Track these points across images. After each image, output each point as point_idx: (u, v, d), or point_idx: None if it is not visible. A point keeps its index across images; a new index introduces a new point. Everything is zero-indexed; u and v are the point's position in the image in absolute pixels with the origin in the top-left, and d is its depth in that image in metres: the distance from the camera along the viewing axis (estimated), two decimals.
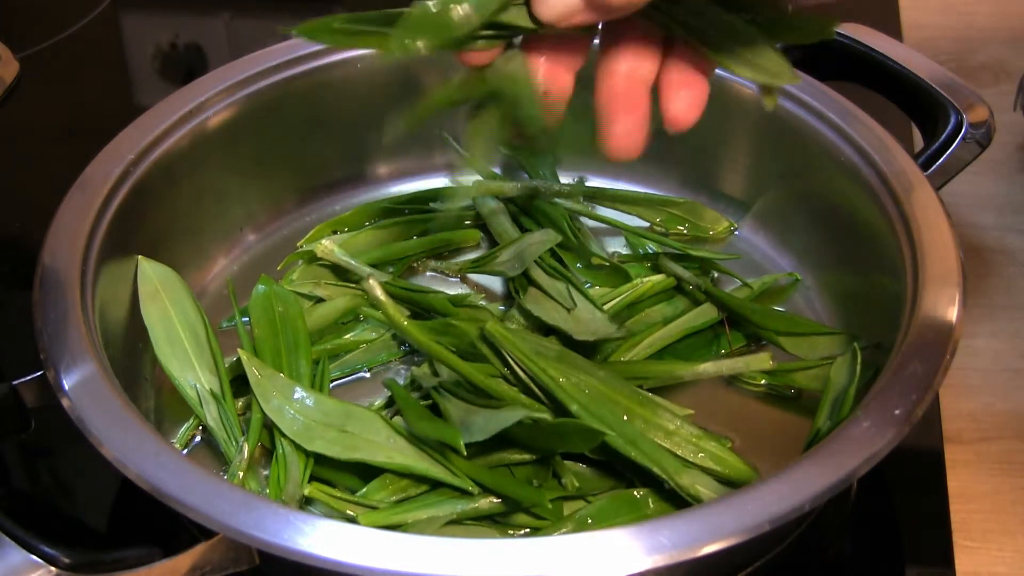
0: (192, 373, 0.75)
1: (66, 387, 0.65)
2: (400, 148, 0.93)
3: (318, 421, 0.71)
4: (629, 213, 0.89)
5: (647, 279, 0.82)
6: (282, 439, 0.71)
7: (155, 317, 0.77)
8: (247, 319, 0.80)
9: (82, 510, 0.75)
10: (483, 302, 0.82)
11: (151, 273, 0.79)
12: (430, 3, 0.54)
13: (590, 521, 0.68)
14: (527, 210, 0.87)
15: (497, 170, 0.92)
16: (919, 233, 0.73)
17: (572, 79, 0.59)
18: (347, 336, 0.81)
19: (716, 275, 0.85)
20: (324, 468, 0.71)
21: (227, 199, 0.87)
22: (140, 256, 0.79)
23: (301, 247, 0.87)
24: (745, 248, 0.88)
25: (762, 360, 0.75)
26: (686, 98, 0.58)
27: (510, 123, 0.58)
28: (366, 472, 0.70)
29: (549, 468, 0.71)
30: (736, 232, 0.89)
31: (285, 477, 0.70)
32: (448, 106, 0.59)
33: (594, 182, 0.91)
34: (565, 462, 0.71)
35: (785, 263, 0.86)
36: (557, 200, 0.87)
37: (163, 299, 0.78)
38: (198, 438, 0.75)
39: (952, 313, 0.69)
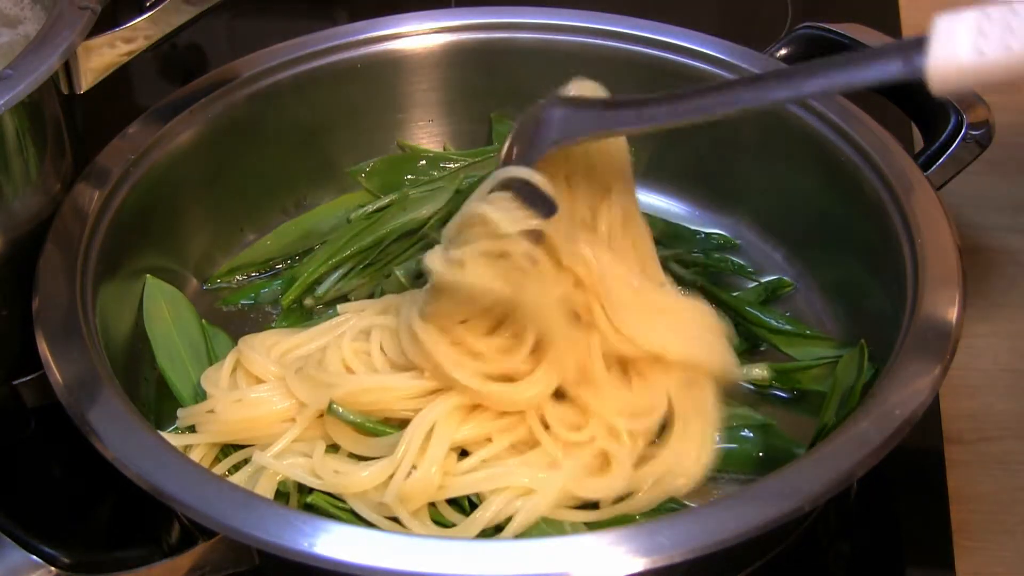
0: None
1: (66, 387, 0.65)
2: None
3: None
4: None
5: None
6: None
7: (160, 340, 0.77)
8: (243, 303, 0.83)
9: (82, 510, 0.75)
10: None
11: (158, 294, 0.79)
12: None
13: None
14: None
15: None
16: (919, 233, 0.73)
17: None
18: None
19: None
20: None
21: (227, 199, 0.87)
22: (148, 275, 0.80)
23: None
24: (745, 248, 0.88)
25: (760, 370, 0.77)
26: None
27: None
28: None
29: None
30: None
31: None
32: None
33: None
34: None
35: (785, 263, 0.86)
36: None
37: (168, 322, 0.78)
38: None
39: (952, 313, 0.69)
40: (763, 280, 0.85)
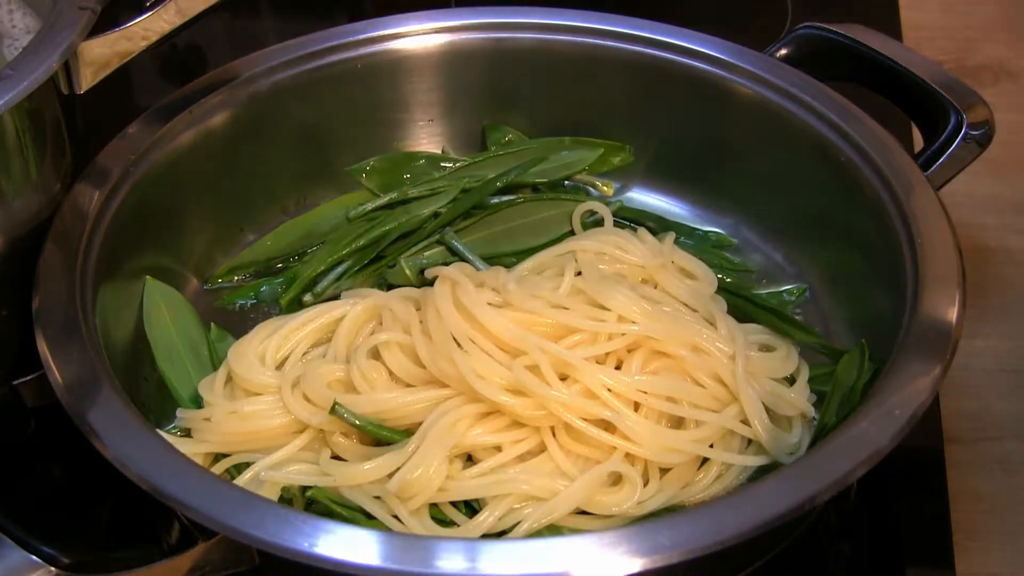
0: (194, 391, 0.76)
1: (66, 387, 0.65)
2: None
3: None
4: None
5: None
6: None
7: (160, 342, 0.78)
8: (242, 302, 0.84)
9: (82, 510, 0.75)
10: None
11: (157, 295, 0.79)
12: None
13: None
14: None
15: None
16: (919, 233, 0.73)
17: None
18: None
19: None
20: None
21: (227, 199, 0.87)
22: (148, 277, 0.80)
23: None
24: (745, 248, 0.88)
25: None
26: None
27: None
28: None
29: None
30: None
31: None
32: None
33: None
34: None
35: (785, 263, 0.86)
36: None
37: (168, 324, 0.78)
38: None
39: (952, 313, 0.69)
40: (783, 288, 0.85)
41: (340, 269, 0.84)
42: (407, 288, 0.80)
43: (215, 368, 0.77)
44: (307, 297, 0.83)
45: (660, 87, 0.89)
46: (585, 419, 0.69)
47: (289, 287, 0.84)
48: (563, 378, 0.70)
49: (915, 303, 0.70)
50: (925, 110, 0.83)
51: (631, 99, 0.90)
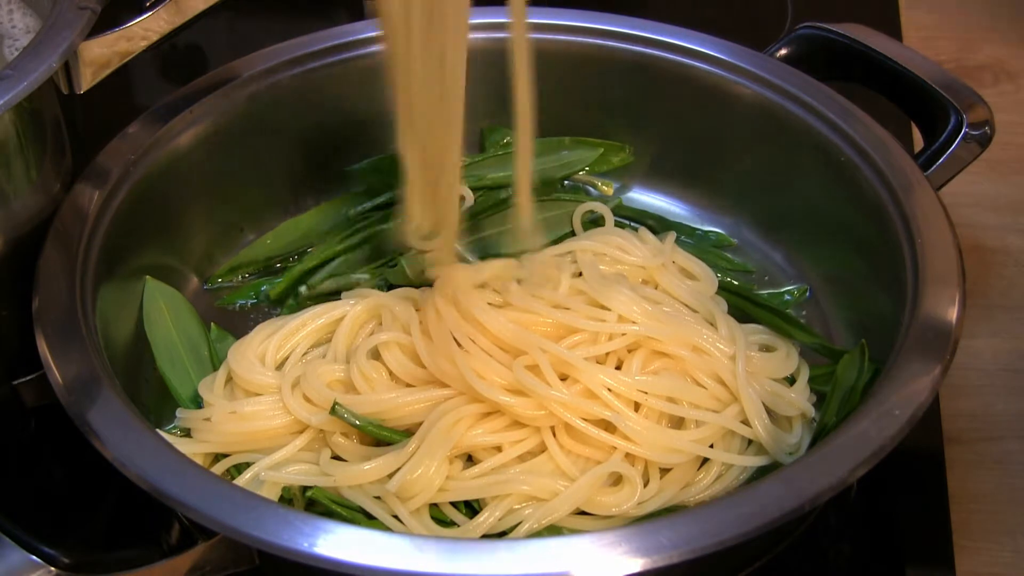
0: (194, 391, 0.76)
1: (66, 387, 0.65)
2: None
3: None
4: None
5: None
6: None
7: (160, 340, 0.78)
8: (242, 302, 0.84)
9: (82, 510, 0.75)
10: None
11: (158, 295, 0.79)
12: None
13: None
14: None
15: None
16: (919, 233, 0.73)
17: None
18: None
19: None
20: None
21: (227, 199, 0.87)
22: (148, 277, 0.80)
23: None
24: (745, 248, 0.88)
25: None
26: None
27: None
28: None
29: None
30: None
31: None
32: None
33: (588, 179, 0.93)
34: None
35: (784, 263, 0.86)
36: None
37: (168, 325, 0.78)
38: None
39: (952, 313, 0.69)
40: (783, 288, 0.85)
41: (336, 263, 0.84)
42: (407, 288, 0.80)
43: (215, 368, 0.77)
44: (303, 289, 0.83)
45: (660, 87, 0.89)
46: (585, 419, 0.69)
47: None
48: (563, 378, 0.70)
49: (915, 303, 0.70)
50: (925, 110, 0.83)
51: (631, 99, 0.90)
